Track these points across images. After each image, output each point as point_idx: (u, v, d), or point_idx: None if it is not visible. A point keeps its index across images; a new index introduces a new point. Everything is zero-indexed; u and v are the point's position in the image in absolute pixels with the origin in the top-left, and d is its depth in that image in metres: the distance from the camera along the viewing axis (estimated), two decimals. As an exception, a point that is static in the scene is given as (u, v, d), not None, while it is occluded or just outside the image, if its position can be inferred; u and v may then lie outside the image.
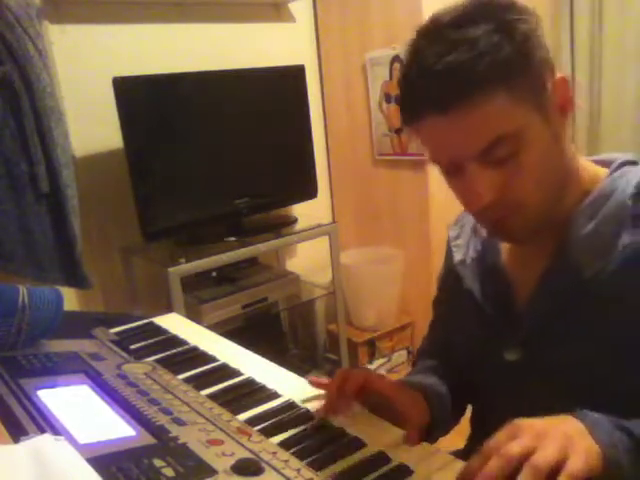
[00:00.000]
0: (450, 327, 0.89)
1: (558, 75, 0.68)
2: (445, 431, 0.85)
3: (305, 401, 0.79)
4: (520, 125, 0.64)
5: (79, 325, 1.06)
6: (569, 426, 0.57)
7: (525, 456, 0.51)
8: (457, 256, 0.86)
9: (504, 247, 0.81)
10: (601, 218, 0.69)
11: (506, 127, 0.63)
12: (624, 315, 0.66)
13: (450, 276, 0.88)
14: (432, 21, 0.67)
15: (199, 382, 0.85)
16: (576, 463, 0.51)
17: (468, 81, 0.62)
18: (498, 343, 0.76)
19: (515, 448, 0.52)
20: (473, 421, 0.93)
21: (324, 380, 0.82)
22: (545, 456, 0.51)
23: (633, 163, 0.73)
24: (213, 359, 0.95)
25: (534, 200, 0.67)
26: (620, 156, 0.75)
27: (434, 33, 0.65)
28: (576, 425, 0.57)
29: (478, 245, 0.84)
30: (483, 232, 0.84)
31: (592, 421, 0.58)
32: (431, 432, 0.79)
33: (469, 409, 0.93)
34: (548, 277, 0.72)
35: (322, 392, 0.80)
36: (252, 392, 0.83)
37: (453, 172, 0.69)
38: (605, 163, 0.76)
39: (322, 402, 0.77)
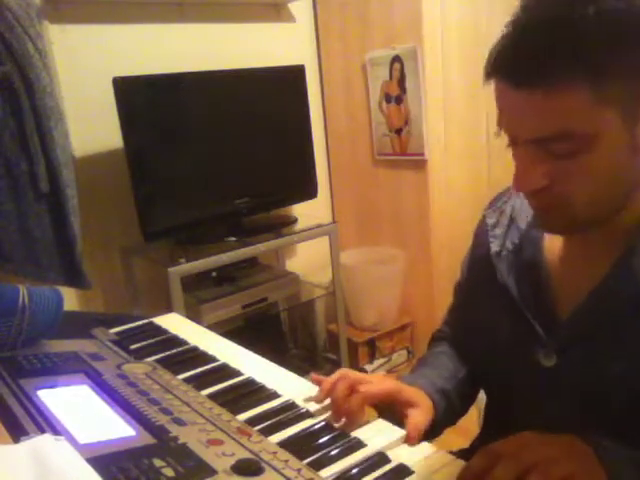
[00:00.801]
0: (475, 316, 0.85)
1: None
2: (452, 423, 0.85)
3: (305, 401, 0.79)
4: (594, 128, 0.59)
5: (79, 325, 1.06)
6: (580, 450, 0.56)
7: (530, 467, 0.51)
8: (494, 247, 0.80)
9: (545, 245, 0.77)
10: None
11: (577, 126, 0.58)
12: None
13: (482, 264, 0.83)
14: None
15: (199, 382, 0.85)
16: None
17: (550, 64, 0.57)
18: (532, 344, 0.73)
19: (524, 457, 0.51)
20: (487, 413, 0.91)
21: (324, 379, 0.82)
22: (557, 469, 0.50)
23: None
24: (213, 359, 0.95)
25: (584, 201, 0.63)
26: None
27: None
28: (587, 450, 0.56)
29: (515, 237, 0.79)
30: (522, 223, 0.79)
31: (603, 447, 0.56)
32: (436, 426, 0.79)
33: (482, 401, 0.92)
34: (604, 289, 0.67)
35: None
36: (252, 392, 0.83)
37: (513, 143, 0.65)
38: None
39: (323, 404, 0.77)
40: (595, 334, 0.68)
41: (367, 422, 0.74)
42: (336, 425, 0.73)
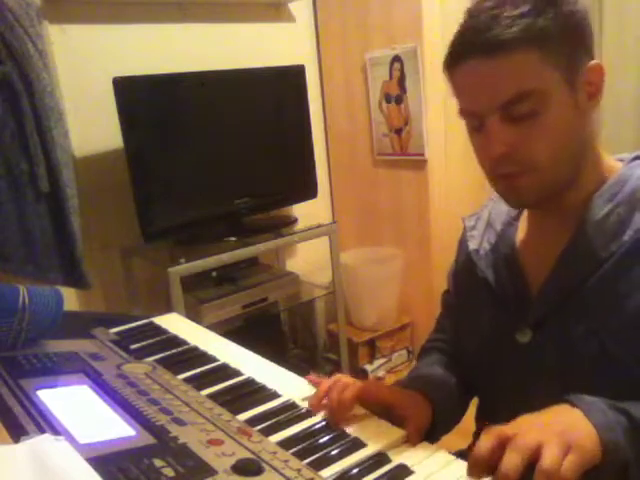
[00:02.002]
0: (462, 317, 0.90)
1: (594, 62, 0.71)
2: (448, 429, 0.85)
3: (305, 400, 0.79)
4: (546, 86, 0.68)
5: (79, 325, 1.06)
6: (567, 417, 0.59)
7: (534, 451, 0.53)
8: (472, 245, 0.88)
9: (518, 239, 0.83)
10: (617, 202, 0.72)
11: (532, 83, 0.67)
12: (635, 296, 0.67)
13: (464, 266, 0.90)
14: None
15: (199, 382, 0.85)
16: (574, 461, 0.53)
17: (504, 35, 0.67)
18: (510, 326, 0.78)
19: (527, 441, 0.53)
20: (478, 418, 0.93)
21: (319, 380, 0.82)
22: (552, 458, 0.52)
23: None
24: (213, 359, 0.95)
25: (546, 162, 0.70)
26: (630, 155, 0.78)
27: None
28: (573, 414, 0.59)
29: (492, 238, 0.86)
30: (497, 226, 0.87)
31: (587, 404, 0.60)
32: (432, 433, 0.79)
33: (474, 406, 0.93)
34: (565, 259, 0.74)
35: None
36: (252, 392, 0.83)
37: (476, 127, 0.73)
38: (619, 160, 0.79)
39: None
40: (561, 305, 0.73)
41: (363, 417, 0.74)
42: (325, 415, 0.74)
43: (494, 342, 0.82)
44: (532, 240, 0.82)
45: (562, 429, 0.56)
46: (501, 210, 0.87)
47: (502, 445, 0.55)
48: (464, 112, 0.74)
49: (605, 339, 0.69)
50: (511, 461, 0.53)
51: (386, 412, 0.76)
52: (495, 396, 0.85)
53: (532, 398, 0.61)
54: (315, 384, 0.82)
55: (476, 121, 0.72)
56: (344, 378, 0.79)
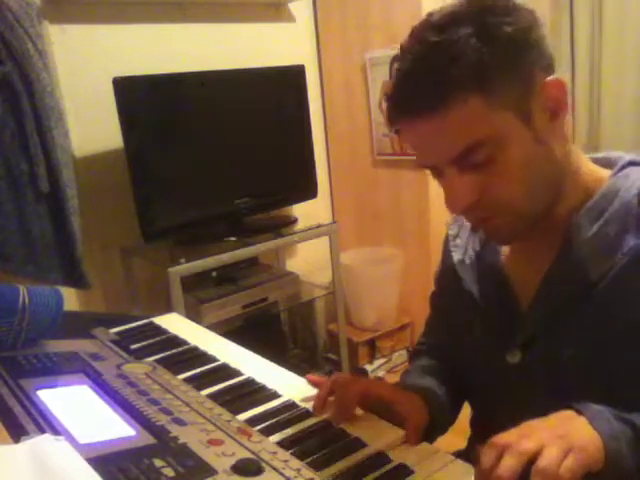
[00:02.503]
0: (450, 328, 0.88)
1: (552, 77, 0.66)
2: (443, 431, 0.85)
3: (305, 400, 0.79)
4: (496, 130, 0.63)
5: (79, 325, 1.06)
6: (571, 423, 0.58)
7: (533, 454, 0.52)
8: (456, 256, 0.85)
9: (503, 249, 0.81)
10: (605, 219, 0.68)
11: (480, 133, 0.63)
12: (628, 317, 0.65)
13: (449, 275, 0.87)
14: (423, 20, 0.66)
15: (199, 382, 0.85)
16: (572, 463, 0.52)
17: (439, 86, 0.61)
18: (499, 345, 0.75)
19: (526, 445, 0.53)
20: (473, 424, 0.92)
21: (320, 379, 0.82)
22: (550, 458, 0.52)
23: (636, 164, 0.72)
24: (213, 359, 0.95)
25: (517, 202, 0.67)
26: (621, 155, 0.74)
27: (419, 33, 0.65)
28: (577, 420, 0.58)
29: (477, 245, 0.83)
30: (482, 234, 0.83)
31: (593, 412, 0.59)
32: (430, 433, 0.79)
33: (468, 410, 0.93)
34: (551, 279, 0.71)
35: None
36: (252, 392, 0.83)
37: (436, 174, 0.70)
38: (605, 162, 0.75)
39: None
40: (550, 325, 0.71)
41: (364, 416, 0.74)
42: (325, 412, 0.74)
43: (483, 359, 0.80)
44: (518, 252, 0.78)
45: (564, 433, 0.55)
46: None
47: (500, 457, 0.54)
48: (419, 164, 0.70)
49: (594, 361, 0.67)
50: (507, 464, 0.52)
51: (386, 409, 0.76)
52: (488, 407, 0.84)
53: (525, 412, 0.60)
54: (315, 384, 0.82)
55: (434, 171, 0.69)
56: (343, 376, 0.79)
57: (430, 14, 0.66)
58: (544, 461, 0.52)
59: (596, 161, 0.76)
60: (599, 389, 0.66)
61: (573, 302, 0.69)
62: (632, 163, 0.72)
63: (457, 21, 0.62)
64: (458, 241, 0.87)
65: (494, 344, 0.76)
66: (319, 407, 0.76)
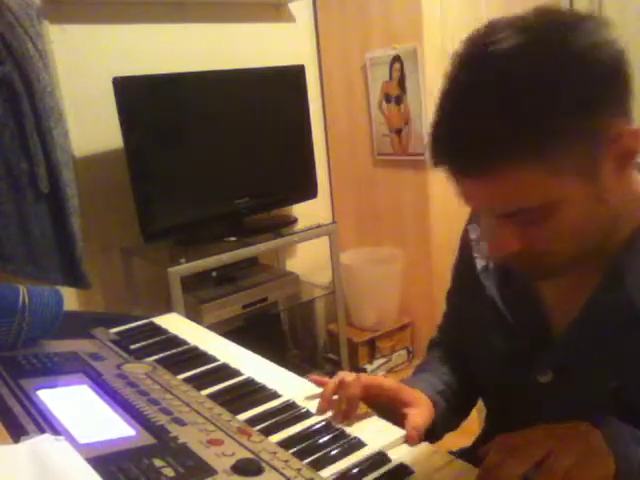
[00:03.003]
0: (468, 328, 0.85)
1: (630, 127, 0.56)
2: (451, 429, 0.85)
3: (307, 399, 0.79)
4: (555, 197, 0.56)
5: (79, 325, 1.06)
6: (585, 436, 0.56)
7: (544, 458, 0.52)
8: (480, 263, 0.79)
9: None
10: None
11: (533, 201, 0.56)
12: None
13: (468, 276, 0.82)
14: (479, 44, 0.56)
15: (199, 382, 0.85)
16: (578, 472, 0.52)
17: (487, 151, 0.54)
18: (527, 361, 0.73)
19: (534, 451, 0.52)
20: (487, 422, 0.91)
21: (325, 380, 0.82)
22: (561, 461, 0.51)
23: None
24: (213, 359, 0.95)
25: (566, 255, 0.62)
26: None
27: (475, 62, 0.56)
28: (593, 435, 0.56)
29: None
30: None
31: (612, 430, 0.57)
32: (434, 430, 0.79)
33: (481, 408, 0.92)
34: (597, 303, 0.66)
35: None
36: (252, 392, 0.83)
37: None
38: None
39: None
40: (589, 350, 0.67)
41: (365, 416, 0.74)
42: (330, 414, 0.74)
43: (507, 371, 0.76)
44: None
45: (577, 443, 0.54)
46: None
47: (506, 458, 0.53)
48: (461, 198, 0.63)
49: (635, 398, 0.63)
50: (511, 467, 0.52)
51: (389, 405, 0.76)
52: (505, 414, 0.82)
53: (545, 421, 0.59)
54: (319, 384, 0.82)
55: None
56: (348, 376, 0.78)
57: (488, 35, 0.55)
58: (551, 464, 0.51)
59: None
60: (634, 421, 0.63)
61: (616, 330, 0.65)
62: None
63: (529, 54, 0.52)
64: (482, 244, 0.79)
65: (519, 359, 0.74)
66: (324, 405, 0.76)
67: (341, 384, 0.77)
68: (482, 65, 0.55)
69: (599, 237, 0.63)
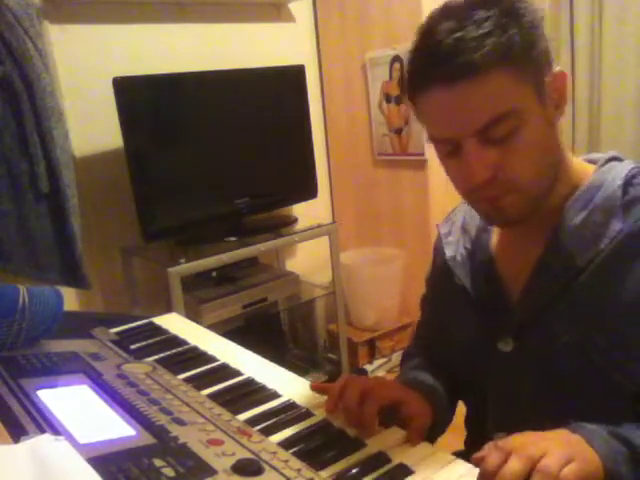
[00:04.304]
0: (442, 324, 0.89)
1: (558, 69, 0.71)
2: (442, 431, 0.85)
3: (306, 400, 0.79)
4: (520, 104, 0.66)
5: (79, 325, 1.06)
6: (571, 438, 0.59)
7: (538, 461, 0.53)
8: (449, 252, 0.88)
9: (493, 245, 0.83)
10: (592, 208, 0.71)
11: (507, 105, 0.66)
12: (617, 301, 0.68)
13: (441, 272, 0.89)
14: (446, 3, 0.70)
15: (199, 382, 0.85)
16: (574, 468, 0.53)
17: (475, 58, 0.64)
18: (491, 335, 0.78)
19: (532, 450, 0.54)
20: (468, 423, 0.93)
21: (326, 385, 0.80)
22: (553, 460, 0.53)
23: (618, 159, 0.77)
24: (213, 359, 0.95)
25: (529, 180, 0.69)
26: (602, 155, 0.78)
27: (447, 12, 0.68)
28: (576, 438, 0.59)
29: (467, 243, 0.86)
30: (472, 231, 0.86)
31: (589, 432, 0.60)
32: (432, 433, 0.79)
33: (462, 411, 0.92)
34: (541, 267, 0.74)
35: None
36: (252, 392, 0.83)
37: (451, 152, 0.71)
38: (590, 161, 0.79)
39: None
40: (541, 312, 0.73)
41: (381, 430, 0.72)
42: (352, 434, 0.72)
43: (476, 350, 0.81)
44: (508, 246, 0.81)
45: (567, 443, 0.57)
46: (474, 214, 0.84)
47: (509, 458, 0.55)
48: (435, 139, 0.72)
49: (588, 346, 0.68)
50: (512, 467, 0.53)
51: (391, 410, 0.76)
52: (482, 402, 0.84)
53: (519, 404, 0.61)
54: (322, 391, 0.80)
55: (450, 146, 0.70)
56: (357, 380, 0.76)
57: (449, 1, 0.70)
58: (546, 461, 0.53)
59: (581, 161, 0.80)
60: (594, 374, 0.68)
61: (562, 289, 0.71)
62: (614, 159, 0.77)
63: (484, 2, 0.66)
64: (450, 238, 0.90)
65: (487, 336, 0.78)
66: (332, 409, 0.74)
67: (348, 388, 0.75)
68: (451, 9, 0.68)
69: (550, 176, 0.72)
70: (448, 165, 0.73)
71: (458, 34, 0.65)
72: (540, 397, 0.62)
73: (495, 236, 0.84)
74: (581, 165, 0.78)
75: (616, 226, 0.69)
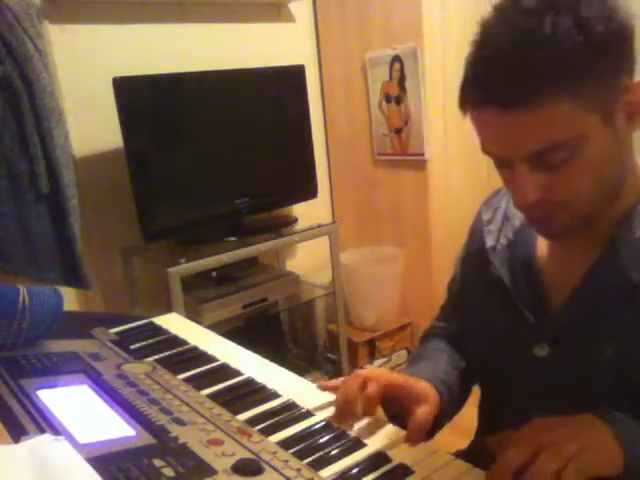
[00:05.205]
0: (470, 309, 0.87)
1: (637, 82, 0.64)
2: (449, 418, 0.85)
3: (306, 400, 0.79)
4: (581, 131, 0.62)
5: (79, 325, 1.06)
6: (591, 426, 0.59)
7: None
8: (489, 242, 0.83)
9: (537, 242, 0.79)
10: None
11: (564, 135, 0.61)
12: None
13: (477, 259, 0.85)
14: (503, 6, 0.64)
15: (199, 382, 0.85)
16: (587, 458, 0.53)
17: (535, 83, 0.59)
18: (525, 335, 0.75)
19: (571, 447, 0.54)
20: (482, 411, 0.92)
21: (333, 382, 0.81)
22: (567, 448, 0.53)
23: None
24: (213, 359, 0.95)
25: (584, 200, 0.66)
26: None
27: (507, 16, 0.62)
28: (598, 425, 0.59)
29: (509, 233, 0.82)
30: (516, 221, 0.82)
31: (615, 419, 0.59)
32: (439, 421, 0.79)
33: (467, 411, 0.92)
34: (593, 278, 0.70)
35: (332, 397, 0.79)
36: (252, 392, 0.83)
37: (503, 165, 0.68)
38: None
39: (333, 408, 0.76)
40: (585, 323, 0.70)
41: (361, 418, 0.74)
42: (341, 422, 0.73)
43: (505, 345, 0.79)
44: (554, 247, 0.77)
45: (582, 430, 0.57)
46: None
47: (534, 455, 0.54)
48: (486, 151, 0.68)
49: (632, 364, 0.65)
50: (547, 465, 0.53)
51: (397, 400, 0.76)
52: (503, 396, 0.83)
53: (545, 406, 0.60)
54: (329, 389, 0.81)
55: (502, 161, 0.67)
56: (360, 371, 0.77)
57: None
58: (557, 450, 0.53)
59: None
60: (632, 393, 0.65)
61: (612, 303, 0.68)
62: None
63: (554, 8, 0.59)
64: (491, 226, 0.85)
65: (520, 334, 0.76)
66: (341, 408, 0.75)
67: (357, 378, 0.75)
68: (513, 11, 0.62)
69: (610, 193, 0.67)
70: (501, 173, 0.70)
71: (514, 53, 0.59)
72: (569, 406, 0.61)
73: None
74: None
75: None
